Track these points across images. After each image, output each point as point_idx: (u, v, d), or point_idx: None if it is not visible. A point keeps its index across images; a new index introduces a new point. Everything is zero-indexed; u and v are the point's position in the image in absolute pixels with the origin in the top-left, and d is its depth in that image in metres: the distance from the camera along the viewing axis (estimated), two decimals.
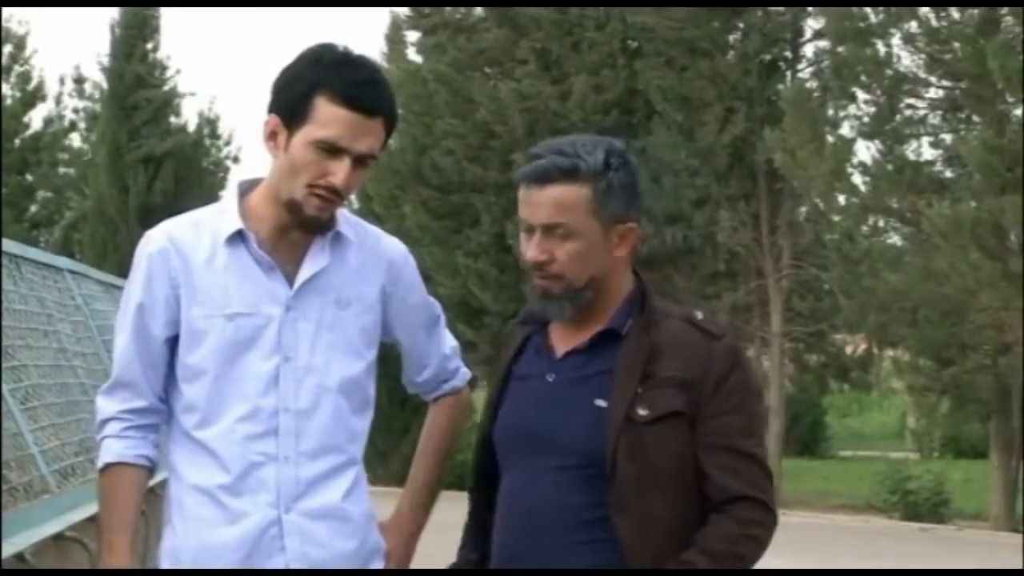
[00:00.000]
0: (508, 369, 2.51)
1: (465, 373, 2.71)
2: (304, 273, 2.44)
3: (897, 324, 18.18)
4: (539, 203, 2.39)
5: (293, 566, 2.39)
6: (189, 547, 2.42)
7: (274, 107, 2.42)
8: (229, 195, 2.50)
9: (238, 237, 2.43)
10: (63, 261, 6.62)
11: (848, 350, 23.24)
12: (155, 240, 2.47)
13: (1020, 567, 11.96)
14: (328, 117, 2.35)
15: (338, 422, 2.44)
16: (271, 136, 2.41)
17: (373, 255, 2.52)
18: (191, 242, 2.45)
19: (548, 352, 2.48)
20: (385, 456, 18.84)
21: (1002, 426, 18.70)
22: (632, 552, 2.35)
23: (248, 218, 2.44)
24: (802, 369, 23.80)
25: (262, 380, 2.40)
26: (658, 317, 2.44)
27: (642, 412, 2.36)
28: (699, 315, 2.48)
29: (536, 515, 2.40)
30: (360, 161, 2.39)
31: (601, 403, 2.39)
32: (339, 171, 2.37)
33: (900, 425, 31.18)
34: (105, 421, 2.48)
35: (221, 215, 2.48)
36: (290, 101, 2.38)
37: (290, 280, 2.43)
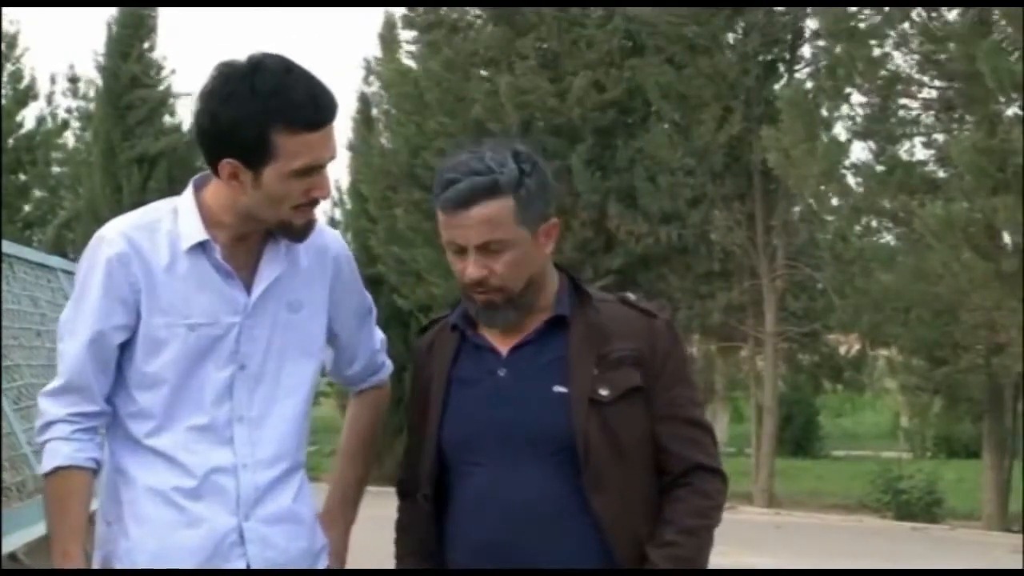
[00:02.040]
0: (448, 374, 2.51)
1: (389, 366, 2.71)
2: (263, 281, 2.42)
3: (890, 324, 18.20)
4: (468, 225, 2.41)
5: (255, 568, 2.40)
6: (146, 549, 2.39)
7: (224, 151, 2.32)
8: (185, 196, 2.44)
9: (199, 246, 2.40)
10: (56, 260, 6.62)
11: (841, 350, 23.25)
12: (113, 243, 2.40)
13: (1013, 567, 11.98)
14: (297, 148, 2.30)
15: (290, 428, 2.45)
16: (232, 177, 2.34)
17: (319, 253, 2.51)
18: (150, 248, 2.40)
19: (491, 350, 2.50)
20: (380, 456, 18.81)
21: (994, 426, 18.72)
22: (613, 532, 2.41)
23: (206, 223, 2.40)
24: (795, 369, 23.80)
25: (216, 390, 2.40)
26: (595, 302, 2.52)
27: (604, 392, 2.43)
28: (632, 296, 2.58)
29: (518, 508, 2.41)
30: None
31: (561, 389, 2.45)
32: (322, 184, 2.36)
33: (893, 425, 31.21)
34: (51, 423, 2.41)
35: (175, 217, 2.42)
36: (245, 145, 2.30)
37: (247, 286, 2.42)
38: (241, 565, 2.39)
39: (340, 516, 2.62)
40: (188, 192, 2.45)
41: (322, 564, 2.52)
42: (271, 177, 2.32)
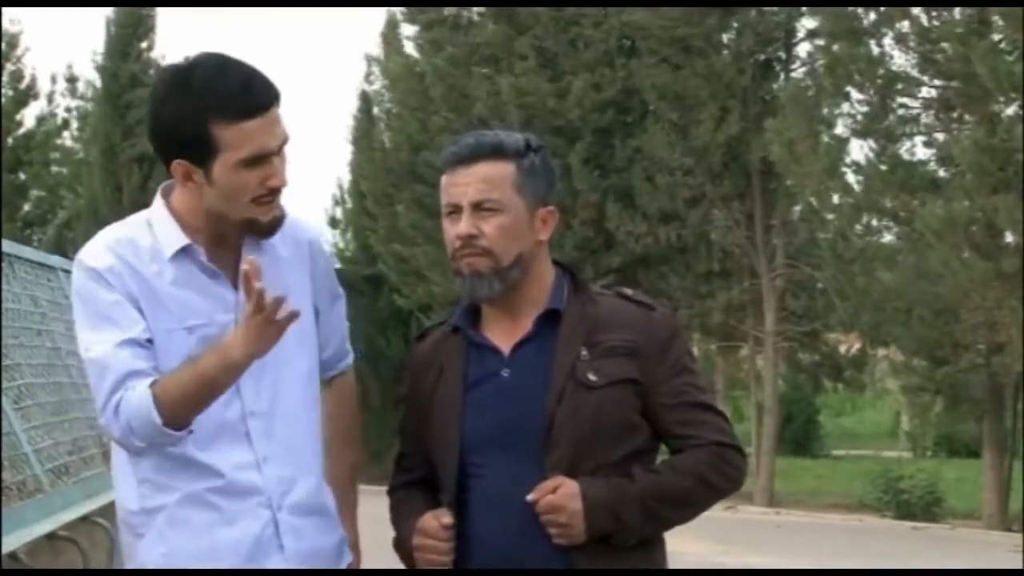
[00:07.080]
0: (463, 377, 2.50)
1: (352, 352, 2.74)
2: None
3: (890, 323, 18.20)
4: (467, 182, 2.46)
5: (291, 563, 2.42)
6: (187, 552, 2.39)
7: (172, 152, 2.35)
8: (155, 206, 2.46)
9: (183, 251, 2.42)
10: (56, 260, 6.60)
11: (842, 349, 23.26)
12: (102, 258, 2.41)
13: (1013, 567, 11.98)
14: (237, 138, 2.31)
15: (300, 417, 2.48)
16: (186, 178, 2.37)
17: (296, 242, 2.54)
18: (136, 260, 2.41)
19: (494, 351, 2.50)
20: (379, 456, 18.82)
21: (995, 425, 18.72)
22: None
23: (183, 229, 2.42)
24: (796, 368, 23.81)
25: None
26: (593, 295, 2.52)
27: (592, 377, 2.42)
28: (629, 291, 2.58)
29: (523, 509, 2.39)
30: (280, 151, 2.39)
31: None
32: (275, 173, 2.37)
33: (893, 424, 31.25)
34: (110, 393, 2.32)
35: (150, 229, 2.44)
36: (187, 142, 2.33)
37: (234, 284, 2.43)
38: (278, 557, 2.41)
39: (344, 501, 2.63)
40: (157, 202, 2.47)
41: (346, 558, 2.56)
42: (220, 171, 2.34)
